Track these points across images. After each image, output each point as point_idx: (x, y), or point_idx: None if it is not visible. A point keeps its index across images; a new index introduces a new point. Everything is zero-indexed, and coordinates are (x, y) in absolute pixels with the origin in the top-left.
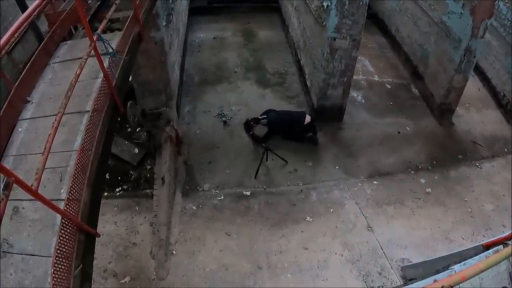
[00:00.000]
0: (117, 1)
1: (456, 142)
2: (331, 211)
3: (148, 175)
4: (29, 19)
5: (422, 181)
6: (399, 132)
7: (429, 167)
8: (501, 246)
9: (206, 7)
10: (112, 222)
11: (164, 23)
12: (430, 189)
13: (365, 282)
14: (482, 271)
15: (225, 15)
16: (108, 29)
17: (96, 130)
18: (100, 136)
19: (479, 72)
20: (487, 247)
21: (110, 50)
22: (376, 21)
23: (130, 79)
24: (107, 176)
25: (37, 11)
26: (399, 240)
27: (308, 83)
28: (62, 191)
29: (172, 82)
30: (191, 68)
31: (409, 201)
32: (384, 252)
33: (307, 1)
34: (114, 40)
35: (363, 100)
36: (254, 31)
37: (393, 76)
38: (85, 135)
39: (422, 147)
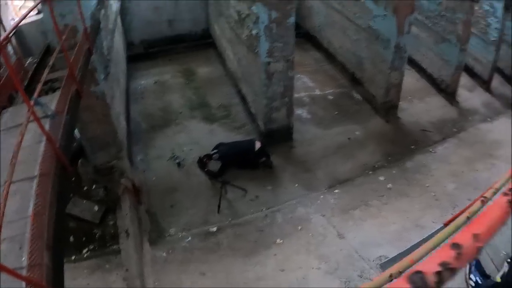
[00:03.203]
0: (50, 63)
1: (406, 135)
2: (299, 228)
3: (113, 231)
4: None
5: (382, 178)
6: (349, 139)
7: (386, 164)
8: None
9: (143, 53)
10: (85, 285)
11: (102, 76)
12: (391, 185)
13: None
14: (430, 250)
15: (162, 58)
16: (50, 89)
17: (47, 194)
18: (52, 199)
19: (414, 64)
20: (447, 224)
21: (49, 113)
22: (308, 38)
23: (78, 136)
24: (71, 239)
25: None
26: (372, 240)
27: (253, 111)
28: (23, 258)
29: (120, 133)
30: (137, 115)
31: (373, 201)
32: (360, 255)
33: (237, 32)
34: (54, 100)
35: (309, 116)
36: (193, 69)
37: (333, 86)
38: (36, 200)
39: (375, 147)
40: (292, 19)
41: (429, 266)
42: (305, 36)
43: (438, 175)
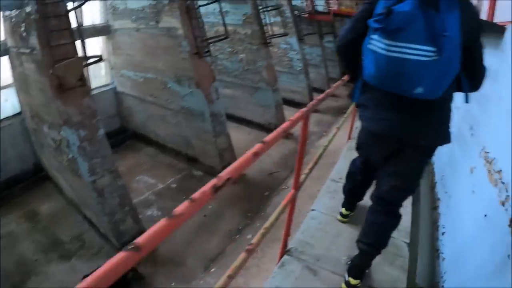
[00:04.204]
0: None
1: (256, 186)
2: None
3: None
4: None
5: (249, 236)
6: (205, 215)
7: (248, 222)
8: None
9: None
10: None
11: None
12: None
13: None
14: None
15: (2, 208)
16: None
17: None
18: None
19: (241, 120)
20: None
21: None
22: (137, 136)
23: None
24: None
25: None
26: None
27: (102, 231)
28: None
29: None
30: None
31: (250, 261)
32: None
33: (59, 160)
34: None
35: (159, 212)
36: (35, 209)
37: (174, 174)
38: None
39: (232, 211)
40: (101, 132)
41: None
42: (134, 136)
43: (298, 204)
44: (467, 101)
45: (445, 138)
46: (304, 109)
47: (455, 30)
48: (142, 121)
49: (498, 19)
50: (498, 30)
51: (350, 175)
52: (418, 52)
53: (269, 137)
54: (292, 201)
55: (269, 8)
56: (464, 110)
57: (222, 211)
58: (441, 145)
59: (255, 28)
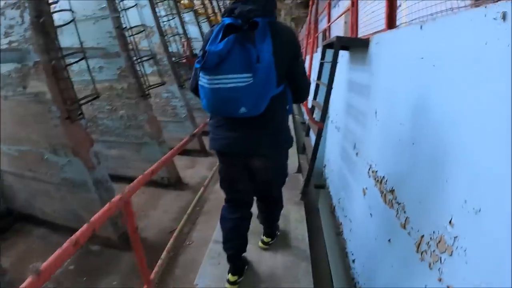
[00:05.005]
0: None
1: (159, 248)
2: None
3: None
4: None
5: None
6: None
7: (162, 286)
8: None
9: None
10: None
11: None
12: None
13: None
14: None
15: None
16: None
17: None
18: None
19: (133, 180)
20: None
21: None
22: (24, 218)
23: None
24: None
25: None
26: None
27: None
28: None
29: None
30: None
31: None
32: None
33: None
34: None
35: None
36: None
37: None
38: None
39: (140, 281)
40: None
41: None
42: (20, 218)
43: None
44: (289, 112)
45: (281, 145)
46: (121, 195)
47: (267, 56)
48: (26, 200)
49: (361, 34)
50: (363, 44)
51: (222, 219)
52: (236, 80)
53: (73, 237)
54: None
55: (144, 58)
56: (344, 129)
57: (129, 283)
58: (280, 152)
59: (131, 81)
